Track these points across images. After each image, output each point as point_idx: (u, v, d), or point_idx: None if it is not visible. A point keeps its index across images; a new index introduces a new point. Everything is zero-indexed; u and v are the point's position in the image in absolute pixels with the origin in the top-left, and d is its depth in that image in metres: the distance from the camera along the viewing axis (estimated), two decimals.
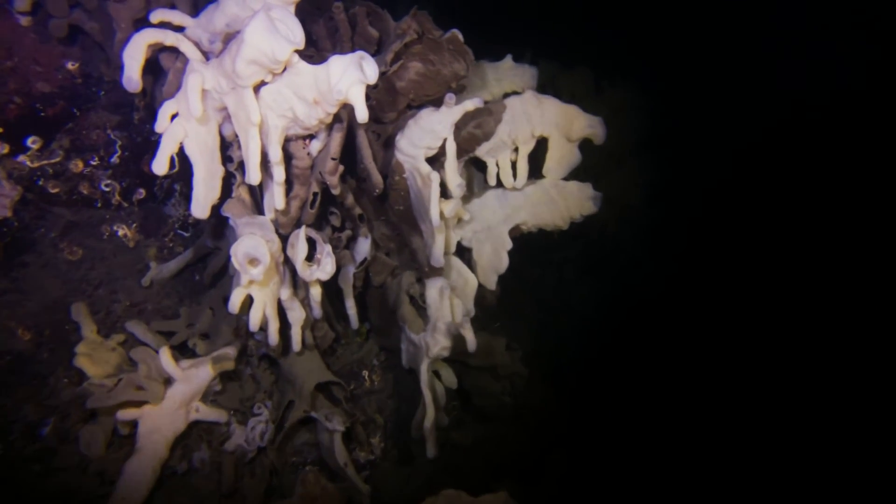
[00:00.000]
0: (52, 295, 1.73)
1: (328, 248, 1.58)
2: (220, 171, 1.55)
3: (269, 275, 1.52)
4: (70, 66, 1.74)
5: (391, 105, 1.81)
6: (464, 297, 2.06)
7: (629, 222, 3.95)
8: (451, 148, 1.79)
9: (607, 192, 2.13)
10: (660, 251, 3.98)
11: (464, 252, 2.17)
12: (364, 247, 1.97)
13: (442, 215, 1.78)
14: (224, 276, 2.04)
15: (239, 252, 1.47)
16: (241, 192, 1.70)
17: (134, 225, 1.98)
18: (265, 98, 1.43)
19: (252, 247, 1.47)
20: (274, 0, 1.42)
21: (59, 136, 1.76)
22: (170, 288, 2.05)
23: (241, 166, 1.71)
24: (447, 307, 1.92)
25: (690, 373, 3.47)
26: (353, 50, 1.89)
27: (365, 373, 2.28)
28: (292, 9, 1.46)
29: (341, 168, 1.62)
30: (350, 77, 1.32)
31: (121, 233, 1.95)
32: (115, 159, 1.88)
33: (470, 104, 1.73)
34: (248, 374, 2.01)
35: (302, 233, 1.56)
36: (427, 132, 1.77)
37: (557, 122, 1.96)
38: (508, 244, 2.04)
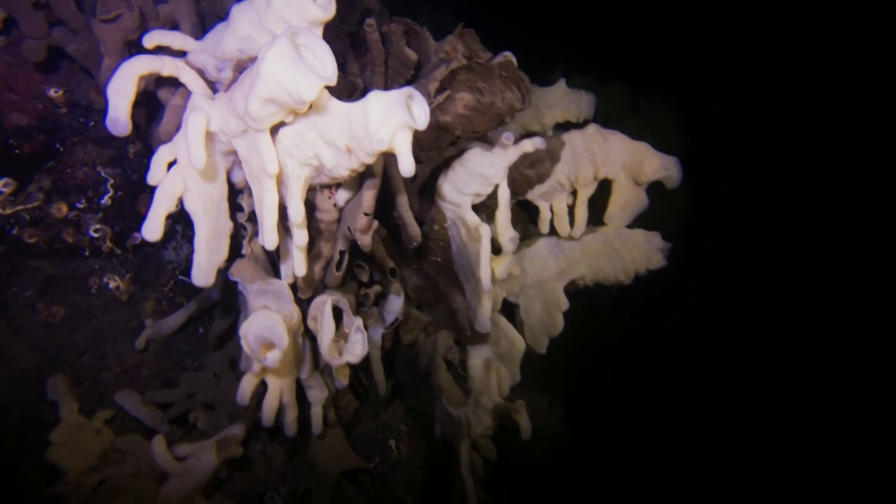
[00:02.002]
0: (24, 367, 1.45)
1: (358, 322, 1.29)
2: (227, 227, 1.26)
3: (286, 359, 1.23)
4: (53, 93, 1.46)
5: (432, 143, 1.51)
6: (509, 361, 1.76)
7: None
8: (504, 195, 1.50)
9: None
10: (701, 281, 3.71)
11: (509, 307, 1.87)
12: (396, 306, 1.67)
13: (492, 276, 1.48)
14: (232, 337, 1.75)
15: (250, 334, 1.18)
16: (252, 248, 1.41)
17: (128, 275, 1.69)
18: (284, 143, 1.14)
19: (266, 328, 1.18)
20: (297, 20, 1.14)
21: (38, 177, 1.48)
22: (169, 346, 1.77)
23: (253, 216, 1.42)
24: (494, 382, 1.62)
25: (742, 434, 3.20)
26: (386, 74, 1.61)
27: (392, 442, 1.98)
28: (320, 31, 1.17)
29: (375, 224, 1.33)
30: (394, 121, 1.02)
31: (112, 285, 1.66)
32: (105, 200, 1.60)
33: (529, 145, 1.44)
34: (258, 451, 1.72)
35: (328, 307, 1.26)
36: (476, 176, 1.47)
37: (625, 163, 1.66)
38: (563, 304, 1.73)
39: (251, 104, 1.03)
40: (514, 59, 1.54)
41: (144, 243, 1.74)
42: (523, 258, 1.79)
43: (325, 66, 1.03)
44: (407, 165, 1.07)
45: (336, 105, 1.10)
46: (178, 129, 1.25)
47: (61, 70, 1.48)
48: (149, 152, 1.62)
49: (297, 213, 1.14)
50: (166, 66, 1.14)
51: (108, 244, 1.65)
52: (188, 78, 1.18)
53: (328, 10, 1.14)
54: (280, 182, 1.18)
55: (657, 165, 1.65)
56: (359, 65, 1.69)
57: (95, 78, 1.35)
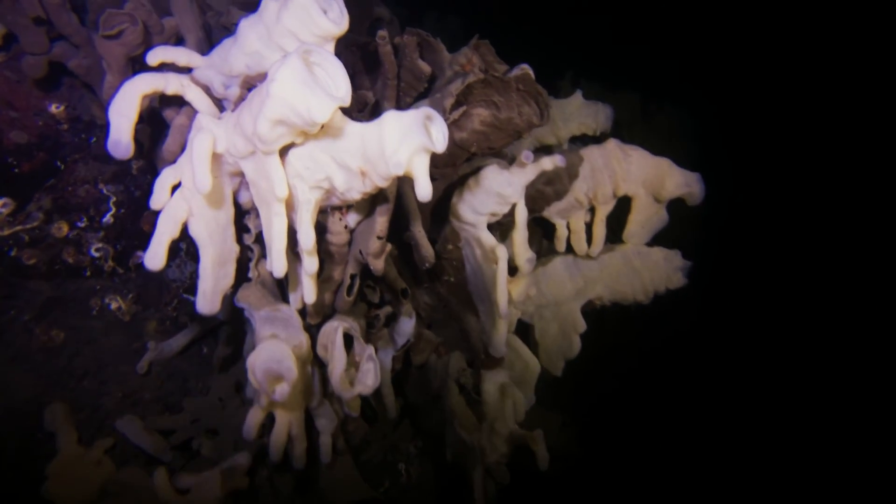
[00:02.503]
0: (21, 395, 1.39)
1: (369, 350, 1.23)
2: (234, 252, 1.20)
3: (295, 391, 1.17)
4: (54, 109, 1.41)
5: (447, 160, 1.45)
6: (523, 384, 1.69)
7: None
8: (521, 215, 1.44)
9: None
10: (714, 291, 3.65)
11: (523, 327, 1.81)
12: (407, 328, 1.61)
13: (509, 299, 1.42)
14: (237, 359, 1.69)
15: (258, 366, 1.12)
16: (259, 272, 1.36)
17: (130, 295, 1.64)
18: (294, 165, 1.08)
19: (275, 360, 1.12)
20: (308, 35, 1.08)
21: (37, 196, 1.43)
22: (172, 368, 1.71)
23: (260, 238, 1.37)
24: (509, 409, 1.55)
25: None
26: (398, 87, 1.55)
27: (401, 465, 1.92)
28: (332, 46, 1.11)
29: (389, 247, 1.27)
30: (412, 144, 0.96)
31: (114, 306, 1.61)
32: (108, 219, 1.55)
33: (548, 163, 1.37)
34: (264, 478, 1.66)
35: (339, 337, 1.20)
36: (493, 196, 1.41)
37: (645, 179, 1.60)
38: (581, 325, 1.67)
39: (260, 126, 0.97)
40: (531, 72, 1.48)
41: None
42: (539, 277, 1.73)
43: (339, 85, 0.97)
44: (424, 190, 1.01)
45: (349, 126, 1.04)
46: (182, 149, 1.19)
47: (63, 85, 1.43)
48: (153, 168, 1.58)
49: (307, 239, 1.08)
50: (171, 84, 1.08)
51: (110, 263, 1.60)
52: (193, 96, 1.12)
53: (341, 25, 1.08)
54: (289, 205, 1.12)
55: (679, 182, 1.59)
56: (369, 78, 1.64)
57: (98, 94, 1.30)
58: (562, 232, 1.67)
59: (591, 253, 1.67)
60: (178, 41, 1.36)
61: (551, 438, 2.10)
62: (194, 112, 1.15)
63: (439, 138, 1.00)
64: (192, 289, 1.81)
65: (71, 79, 1.44)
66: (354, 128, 1.04)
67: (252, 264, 1.35)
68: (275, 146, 1.02)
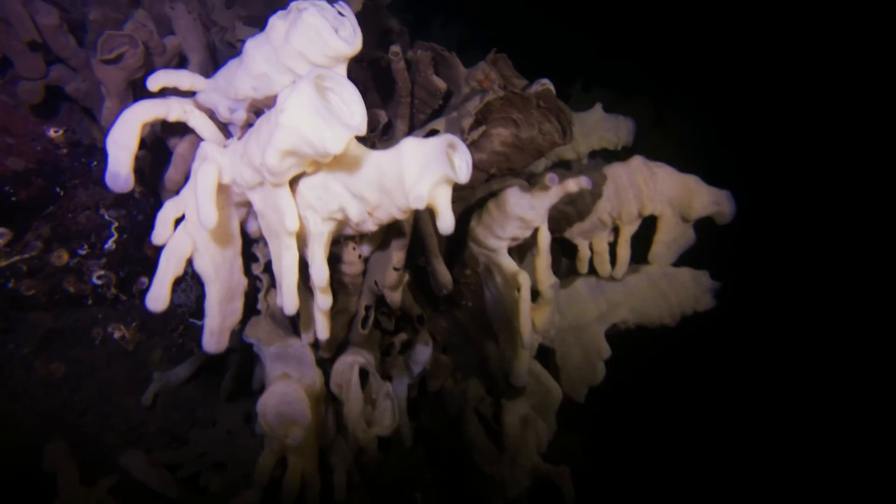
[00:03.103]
0: (20, 433, 1.32)
1: (386, 387, 1.15)
2: (242, 285, 1.13)
3: (308, 434, 1.09)
4: (52, 133, 1.34)
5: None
6: (544, 411, 1.61)
7: None
8: (544, 240, 1.36)
9: None
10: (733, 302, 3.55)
11: (543, 350, 1.73)
12: (424, 356, 1.53)
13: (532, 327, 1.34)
14: (247, 389, 1.62)
15: (269, 410, 1.05)
16: (268, 303, 1.28)
17: (134, 323, 1.57)
18: (305, 195, 1.01)
19: (287, 402, 1.05)
20: (318, 56, 1.00)
21: (36, 224, 1.36)
22: (178, 396, 1.64)
23: (269, 268, 1.30)
24: (532, 441, 1.47)
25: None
26: (411, 105, 1.48)
27: (418, 494, 1.84)
28: (344, 67, 1.04)
29: (406, 278, 1.19)
30: (434, 175, 0.89)
31: (117, 335, 1.54)
32: (110, 245, 1.48)
33: (574, 185, 1.30)
34: None
35: (355, 376, 1.13)
36: (514, 220, 1.34)
37: (672, 198, 1.52)
38: (605, 351, 1.59)
39: (269, 157, 0.90)
40: (552, 88, 1.41)
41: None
42: (560, 299, 1.65)
43: (354, 112, 0.90)
44: (447, 223, 0.93)
45: (364, 153, 0.97)
46: (186, 178, 1.12)
47: (62, 107, 1.36)
48: (156, 191, 1.51)
49: (320, 274, 1.01)
50: (173, 111, 1.01)
51: (113, 291, 1.53)
52: (197, 122, 1.05)
53: (354, 45, 1.01)
54: (300, 237, 1.05)
55: (708, 200, 1.51)
56: (380, 95, 1.57)
57: (97, 120, 1.23)
58: (584, 253, 1.60)
59: (615, 275, 1.59)
60: (181, 61, 1.29)
61: (567, 458, 2.02)
62: (197, 140, 1.07)
63: (463, 168, 0.92)
64: (199, 313, 1.74)
65: (70, 101, 1.37)
66: (370, 156, 0.97)
67: (261, 295, 1.28)
68: (284, 178, 0.95)
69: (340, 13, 1.05)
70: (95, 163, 1.44)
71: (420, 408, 1.91)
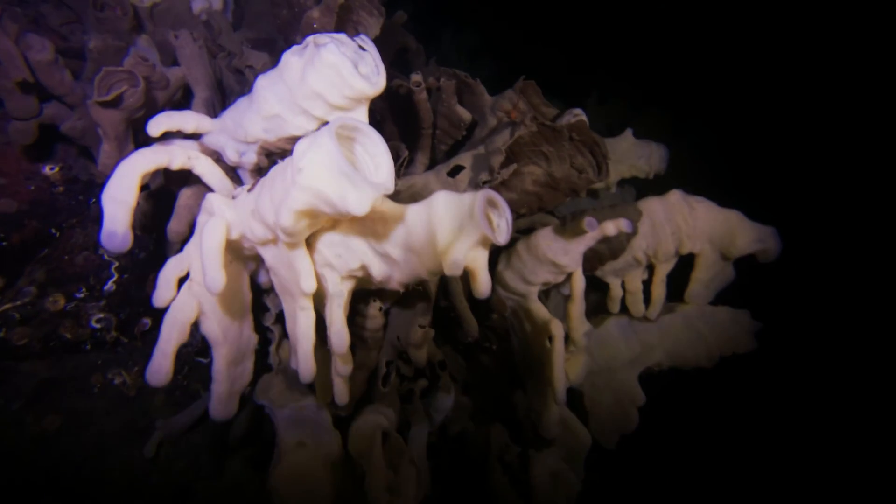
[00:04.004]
0: (10, 495, 1.22)
1: (410, 453, 1.05)
2: (251, 343, 1.03)
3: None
4: (48, 170, 1.25)
5: None
6: (573, 458, 1.51)
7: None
8: (579, 285, 1.25)
9: None
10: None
11: (571, 393, 1.62)
12: (446, 404, 1.43)
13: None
14: (255, 432, 1.52)
15: (282, 485, 0.94)
16: (280, 357, 1.18)
17: (136, 368, 1.47)
18: (323, 252, 0.91)
19: (302, 476, 0.94)
20: (337, 97, 0.90)
21: (29, 269, 1.27)
22: (182, 446, 1.53)
23: (281, 318, 1.19)
24: (562, 498, 1.37)
25: None
26: (433, 138, 1.38)
27: None
28: (366, 109, 0.93)
29: (431, 333, 1.09)
30: (472, 238, 0.79)
31: (117, 381, 1.44)
32: (109, 286, 1.38)
33: (612, 227, 1.19)
34: None
35: (377, 446, 1.02)
36: (546, 265, 1.23)
37: (713, 235, 1.41)
38: (639, 398, 1.48)
39: (284, 218, 0.79)
40: (585, 119, 1.30)
41: (154, 328, 1.52)
42: (590, 341, 1.54)
43: (380, 166, 0.80)
44: (484, 288, 0.83)
45: (390, 207, 0.87)
46: (190, 228, 1.02)
47: (58, 143, 1.26)
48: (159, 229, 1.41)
49: (340, 340, 0.91)
50: (176, 158, 0.91)
51: (113, 334, 1.44)
52: (203, 169, 0.95)
53: (376, 85, 0.91)
54: (316, 294, 0.95)
55: (751, 238, 1.40)
56: (398, 124, 1.46)
57: (95, 160, 1.13)
58: (616, 292, 1.49)
59: (650, 315, 1.49)
60: (186, 93, 1.19)
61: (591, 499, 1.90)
62: (203, 188, 0.97)
63: (503, 228, 0.82)
64: (206, 351, 1.65)
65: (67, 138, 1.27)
66: (396, 211, 0.86)
67: (272, 348, 1.18)
68: (300, 238, 0.85)
69: (361, 47, 0.95)
70: (94, 200, 1.34)
71: (439, 453, 1.80)
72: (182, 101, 1.21)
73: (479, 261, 0.81)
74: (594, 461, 1.78)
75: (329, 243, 0.90)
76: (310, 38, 0.91)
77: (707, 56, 3.96)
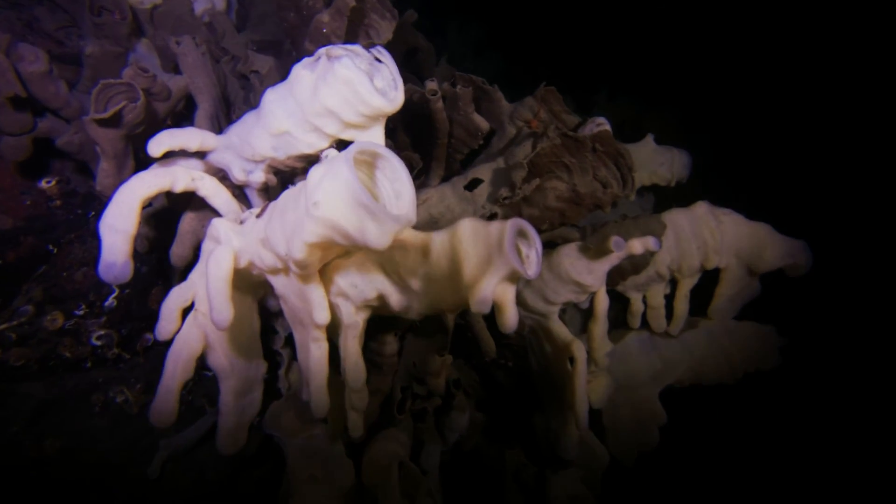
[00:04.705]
0: None
1: (426, 485, 1.00)
2: (261, 371, 0.97)
3: None
4: (44, 184, 1.18)
5: None
6: (589, 476, 1.46)
7: None
8: (602, 305, 1.20)
9: None
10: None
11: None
12: (461, 422, 1.38)
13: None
14: (263, 458, 1.47)
15: None
16: (289, 381, 1.13)
17: (138, 385, 1.41)
18: (337, 282, 0.85)
19: None
20: (352, 114, 0.84)
21: (26, 288, 1.21)
22: (187, 464, 1.49)
23: (291, 342, 1.14)
24: None
25: None
26: (448, 145, 1.31)
27: None
28: (382, 129, 0.87)
29: (450, 360, 1.03)
30: (501, 273, 0.73)
31: (120, 399, 1.39)
32: (110, 302, 1.32)
33: (639, 246, 1.12)
34: None
35: (393, 477, 0.97)
36: (568, 284, 1.17)
37: (740, 249, 1.35)
38: (661, 417, 1.43)
39: (296, 250, 0.73)
40: (609, 129, 1.24)
41: (157, 343, 1.47)
42: (610, 357, 1.48)
43: (402, 195, 0.73)
44: (510, 322, 0.77)
45: (410, 236, 0.81)
46: (194, 252, 0.96)
47: (54, 155, 1.20)
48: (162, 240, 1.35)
49: (355, 374, 0.85)
50: (179, 180, 0.85)
51: (115, 351, 1.38)
52: (208, 191, 0.89)
53: (394, 102, 0.84)
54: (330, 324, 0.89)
55: (780, 252, 1.34)
56: (410, 132, 1.40)
57: (93, 174, 1.07)
58: (637, 307, 1.43)
59: (671, 331, 1.43)
60: (188, 103, 1.13)
61: None
62: (207, 211, 0.91)
63: (532, 261, 0.76)
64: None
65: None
66: (417, 239, 0.80)
67: (282, 372, 1.13)
68: (313, 269, 0.79)
69: (378, 59, 0.88)
70: (93, 213, 1.28)
71: (451, 468, 1.75)
72: (184, 111, 1.15)
73: (506, 295, 0.75)
74: (611, 477, 1.72)
75: (344, 273, 0.84)
76: (322, 51, 0.84)
77: (717, 54, 3.87)
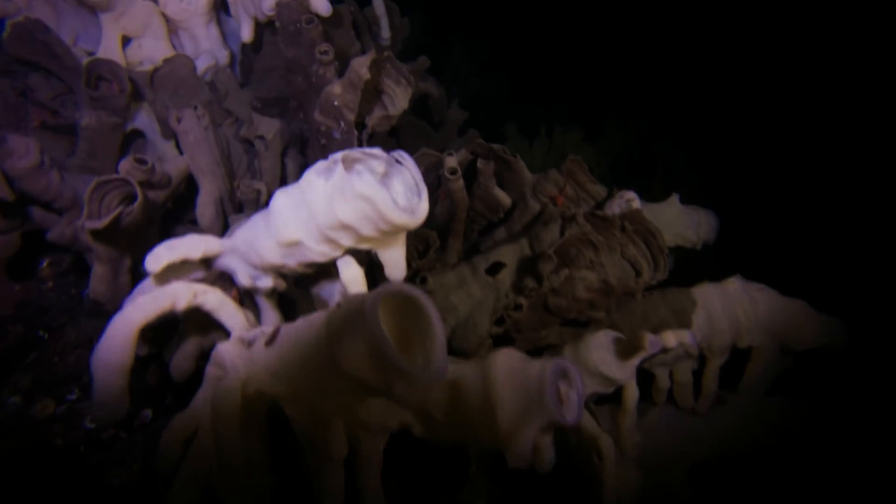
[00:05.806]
0: None
1: None
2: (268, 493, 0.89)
3: None
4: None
5: (534, 324, 1.14)
6: None
7: None
8: (632, 399, 1.12)
9: None
10: None
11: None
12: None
13: None
14: None
15: None
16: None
17: (135, 466, 1.33)
18: (358, 413, 0.77)
19: None
20: (370, 229, 0.76)
21: (14, 378, 1.13)
22: None
23: None
24: None
25: None
26: (465, 235, 1.24)
27: None
28: (403, 243, 0.79)
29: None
30: (539, 422, 0.66)
31: (116, 482, 1.30)
32: None
33: (673, 339, 1.05)
34: None
35: None
36: (596, 377, 1.10)
37: (774, 327, 1.28)
38: (686, 496, 1.35)
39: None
40: (639, 205, 1.17)
41: (156, 419, 1.39)
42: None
43: (434, 347, 0.65)
44: (547, 465, 0.70)
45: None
46: (196, 363, 0.88)
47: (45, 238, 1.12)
48: None
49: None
50: (181, 299, 0.77)
51: (111, 431, 1.30)
52: (213, 305, 0.81)
53: (417, 215, 0.77)
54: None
55: (818, 332, 1.27)
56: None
57: (89, 279, 0.98)
58: (664, 384, 1.35)
59: (699, 409, 1.35)
60: (191, 185, 1.05)
61: None
62: (209, 322, 0.83)
63: (573, 403, 0.68)
64: None
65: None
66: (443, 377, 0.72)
67: None
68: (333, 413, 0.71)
69: (398, 161, 0.81)
70: (88, 291, 1.20)
71: None
72: (185, 192, 1.07)
73: (543, 442, 0.68)
74: None
75: (365, 407, 0.76)
76: (337, 157, 0.76)
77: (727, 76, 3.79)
